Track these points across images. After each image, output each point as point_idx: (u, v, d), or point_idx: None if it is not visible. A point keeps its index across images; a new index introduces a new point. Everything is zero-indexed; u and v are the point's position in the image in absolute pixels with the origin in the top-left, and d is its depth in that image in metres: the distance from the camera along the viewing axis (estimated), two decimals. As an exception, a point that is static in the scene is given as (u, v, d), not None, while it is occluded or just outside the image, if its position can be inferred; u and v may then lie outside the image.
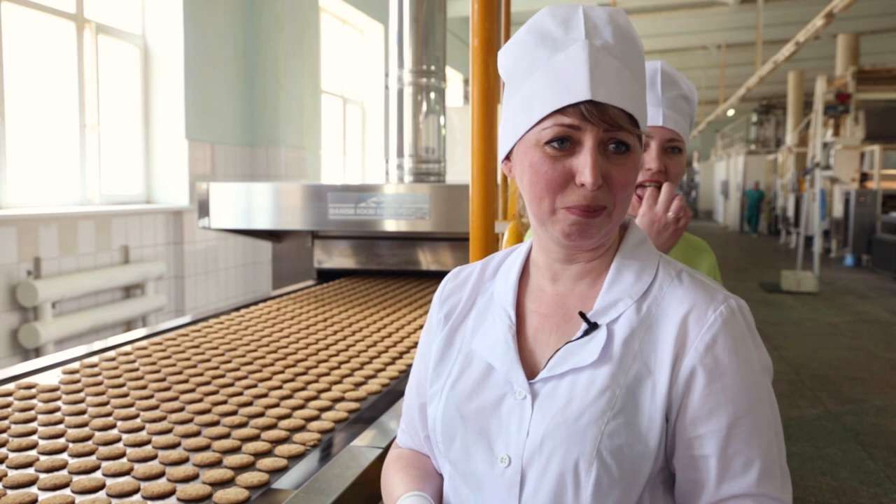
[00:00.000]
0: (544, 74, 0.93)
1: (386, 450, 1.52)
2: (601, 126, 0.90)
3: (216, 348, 2.31)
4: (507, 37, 2.74)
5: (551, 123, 0.91)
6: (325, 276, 3.96)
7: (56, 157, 4.89)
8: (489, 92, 1.75)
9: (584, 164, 0.90)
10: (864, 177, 14.06)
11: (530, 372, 0.96)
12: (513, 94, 0.98)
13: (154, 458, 1.42)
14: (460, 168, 5.28)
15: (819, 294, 10.14)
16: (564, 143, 0.91)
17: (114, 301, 5.06)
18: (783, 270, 10.96)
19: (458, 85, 13.07)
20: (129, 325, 5.14)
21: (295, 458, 1.44)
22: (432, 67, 3.64)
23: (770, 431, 0.92)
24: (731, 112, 26.24)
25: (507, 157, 1.02)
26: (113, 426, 1.60)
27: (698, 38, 16.50)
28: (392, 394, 1.94)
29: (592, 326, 0.95)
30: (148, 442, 1.50)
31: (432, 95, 3.67)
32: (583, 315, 0.96)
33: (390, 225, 3.26)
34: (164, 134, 5.71)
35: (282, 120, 6.65)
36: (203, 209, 3.50)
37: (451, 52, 10.89)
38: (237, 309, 3.05)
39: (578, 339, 0.95)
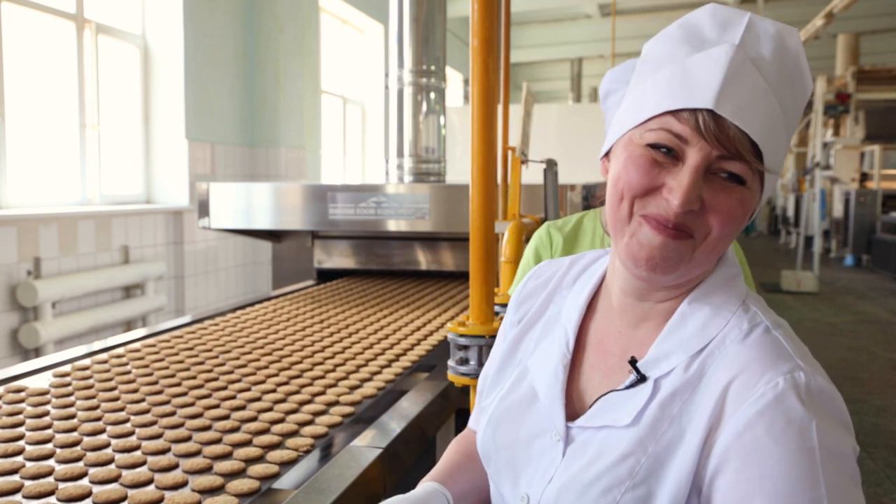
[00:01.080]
0: (673, 71, 0.80)
1: (386, 450, 1.52)
2: (714, 146, 0.76)
3: (210, 350, 2.28)
4: (507, 37, 2.73)
5: (658, 126, 0.79)
6: (326, 276, 3.96)
7: (56, 157, 4.88)
8: (489, 92, 1.75)
9: (678, 183, 0.77)
10: (864, 177, 14.06)
11: (574, 411, 0.88)
12: (636, 86, 0.86)
13: (143, 464, 1.39)
14: (460, 168, 5.28)
15: (819, 294, 10.14)
16: (669, 153, 0.79)
17: (114, 301, 5.06)
18: (783, 270, 10.95)
19: (458, 85, 13.07)
20: (129, 325, 5.14)
21: (287, 465, 1.41)
22: (432, 67, 3.64)
23: None
24: (731, 112, 26.21)
25: (607, 155, 0.89)
26: (102, 431, 1.56)
27: (698, 38, 16.47)
28: (392, 394, 1.94)
29: (640, 378, 0.83)
30: (137, 447, 1.47)
31: (432, 95, 3.67)
32: (633, 363, 0.84)
33: (390, 225, 3.26)
34: (164, 134, 5.71)
35: (282, 120, 6.65)
36: (203, 209, 3.50)
37: (451, 52, 10.89)
38: (233, 310, 3.04)
39: (624, 388, 0.84)
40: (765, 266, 13.57)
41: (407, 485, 1.50)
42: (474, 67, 1.75)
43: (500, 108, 2.34)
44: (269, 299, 3.31)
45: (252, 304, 3.19)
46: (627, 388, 0.84)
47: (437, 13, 3.63)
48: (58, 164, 4.90)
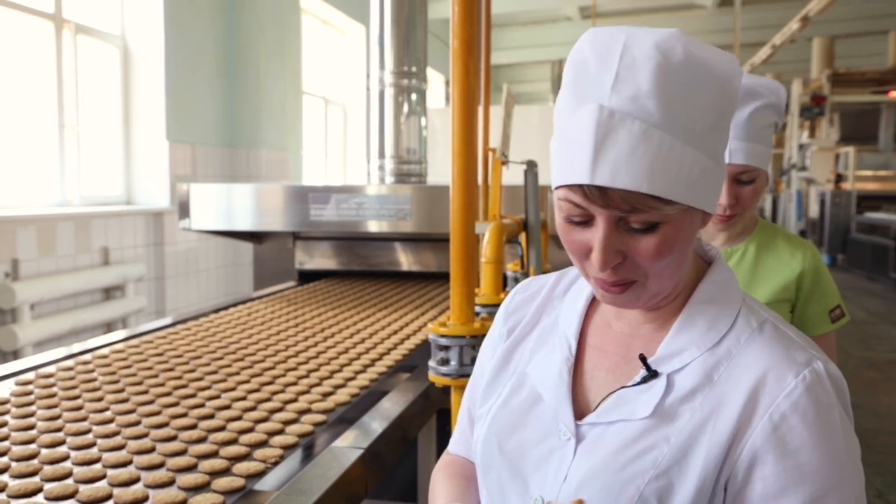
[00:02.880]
0: (562, 136, 0.82)
1: (367, 450, 1.53)
2: (609, 210, 0.79)
3: (181, 356, 2.22)
4: (488, 38, 2.75)
5: (563, 196, 0.82)
6: (307, 277, 3.95)
7: (35, 157, 4.84)
8: (469, 94, 1.76)
9: (595, 247, 0.81)
10: (839, 178, 14.23)
11: (580, 411, 0.89)
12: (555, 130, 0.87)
13: (102, 478, 1.33)
14: (442, 169, 5.30)
15: (796, 294, 10.23)
16: (580, 216, 0.82)
17: (93, 303, 5.02)
18: (761, 270, 11.03)
19: (439, 86, 13.08)
20: (108, 326, 5.10)
21: (254, 478, 1.36)
22: (413, 68, 3.65)
23: None
24: (709, 114, 26.42)
25: None
26: (62, 443, 1.51)
27: (677, 41, 16.63)
28: (374, 395, 1.94)
29: (652, 374, 0.85)
30: (97, 460, 1.41)
31: (413, 96, 3.68)
32: (643, 359, 0.86)
33: (372, 226, 3.26)
34: (145, 135, 5.68)
35: (263, 121, 6.63)
36: (184, 210, 3.48)
37: (433, 53, 10.88)
38: (208, 314, 3.01)
39: (635, 385, 0.86)
40: (743, 266, 13.67)
41: (388, 485, 1.51)
42: (454, 69, 1.76)
43: (480, 109, 2.35)
44: (249, 301, 3.30)
45: (232, 306, 3.18)
46: (638, 383, 0.86)
47: (418, 14, 3.64)
48: (36, 164, 4.86)
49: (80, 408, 1.73)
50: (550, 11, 13.85)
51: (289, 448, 1.52)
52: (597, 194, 0.77)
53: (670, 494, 0.80)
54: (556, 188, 0.83)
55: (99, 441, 1.51)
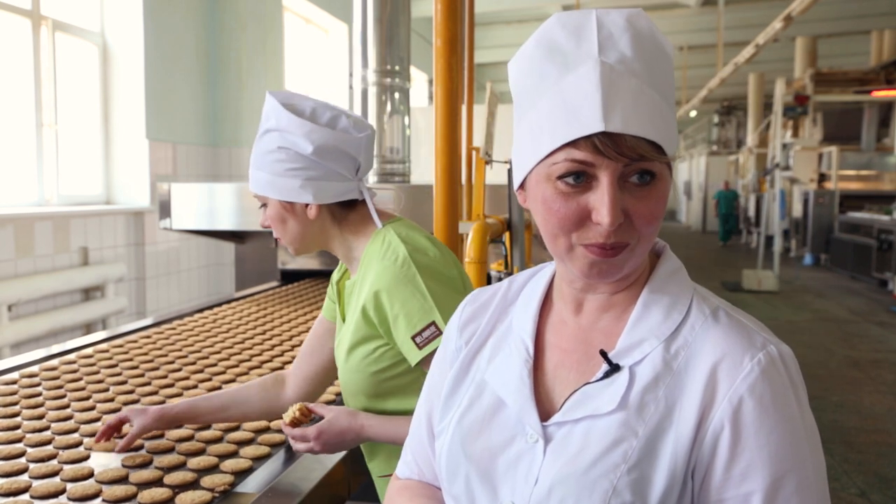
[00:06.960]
0: (553, 100, 0.82)
1: (350, 452, 1.51)
2: (619, 160, 0.80)
3: (136, 367, 2.13)
4: (471, 37, 2.74)
5: (562, 158, 0.81)
6: (290, 277, 3.93)
7: (12, 156, 4.78)
8: (452, 92, 1.75)
9: (600, 203, 0.80)
10: (822, 177, 14.35)
11: (545, 412, 0.88)
12: (521, 117, 0.88)
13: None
14: (425, 169, 5.28)
15: (779, 293, 10.32)
16: (579, 178, 0.81)
17: (73, 304, 4.97)
18: (744, 270, 11.13)
19: (423, 85, 13.06)
20: (88, 328, 5.05)
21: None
22: (396, 67, 3.63)
23: (813, 494, 0.82)
24: (693, 113, 26.59)
25: (522, 186, 0.91)
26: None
27: (661, 40, 16.73)
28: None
29: (614, 368, 0.86)
30: (27, 489, 1.29)
31: (396, 95, 3.66)
32: (604, 354, 0.87)
33: (355, 225, 3.24)
34: (124, 133, 5.62)
35: (245, 119, 6.58)
36: (164, 210, 3.45)
37: (416, 52, 10.86)
38: (176, 319, 2.98)
39: (598, 380, 0.86)
40: (726, 265, 13.79)
41: (372, 487, 1.49)
42: (438, 68, 1.75)
43: (463, 108, 2.34)
44: (232, 301, 3.27)
45: (225, 303, 3.15)
46: (601, 378, 0.86)
47: (401, 13, 3.62)
48: (14, 163, 4.80)
49: (17, 427, 1.65)
50: (534, 10, 13.87)
51: (240, 473, 1.42)
52: (609, 143, 0.79)
53: (643, 486, 0.81)
54: (552, 153, 0.82)
55: (31, 466, 1.42)
